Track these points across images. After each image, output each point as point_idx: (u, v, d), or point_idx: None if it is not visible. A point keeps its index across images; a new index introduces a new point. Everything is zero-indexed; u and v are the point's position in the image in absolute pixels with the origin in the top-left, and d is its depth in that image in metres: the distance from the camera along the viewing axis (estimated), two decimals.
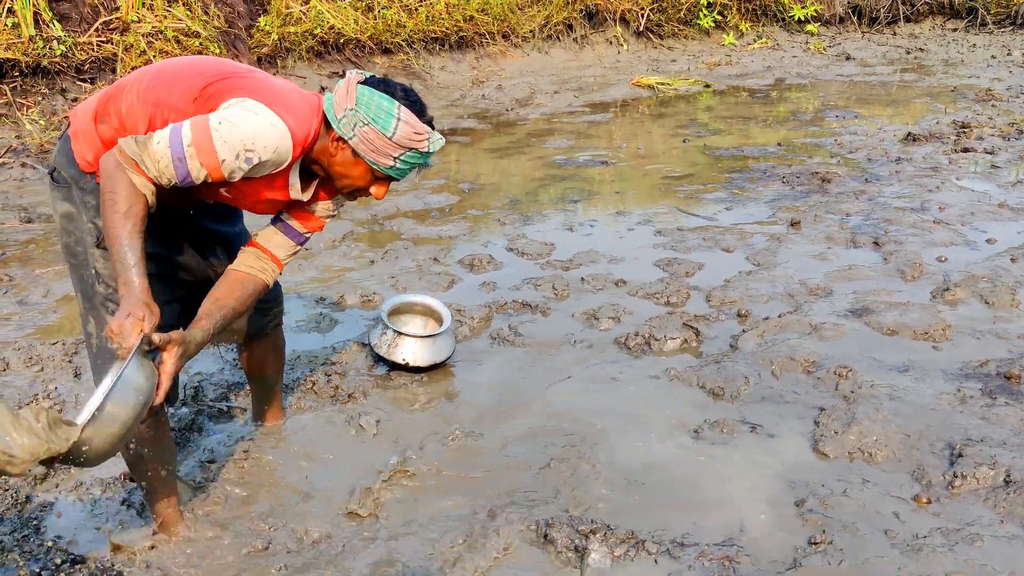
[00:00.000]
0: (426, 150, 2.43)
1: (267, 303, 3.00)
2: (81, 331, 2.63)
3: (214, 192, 2.53)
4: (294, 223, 2.69)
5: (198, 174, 2.30)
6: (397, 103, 2.37)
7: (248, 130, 2.27)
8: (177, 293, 2.63)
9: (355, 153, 2.41)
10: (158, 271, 2.48)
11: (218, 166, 2.30)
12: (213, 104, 2.35)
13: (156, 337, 2.20)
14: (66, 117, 6.90)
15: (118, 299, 2.32)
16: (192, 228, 2.70)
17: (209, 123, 2.27)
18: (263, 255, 2.65)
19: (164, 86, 2.39)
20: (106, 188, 2.27)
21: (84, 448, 2.04)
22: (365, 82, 2.41)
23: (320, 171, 2.53)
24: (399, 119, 2.36)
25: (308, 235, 2.73)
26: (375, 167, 2.43)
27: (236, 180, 2.38)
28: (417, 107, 2.43)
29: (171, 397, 2.66)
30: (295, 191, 2.51)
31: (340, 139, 2.41)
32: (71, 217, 2.51)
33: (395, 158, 2.41)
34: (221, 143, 2.27)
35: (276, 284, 3.00)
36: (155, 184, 2.30)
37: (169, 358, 2.25)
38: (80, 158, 2.44)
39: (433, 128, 2.47)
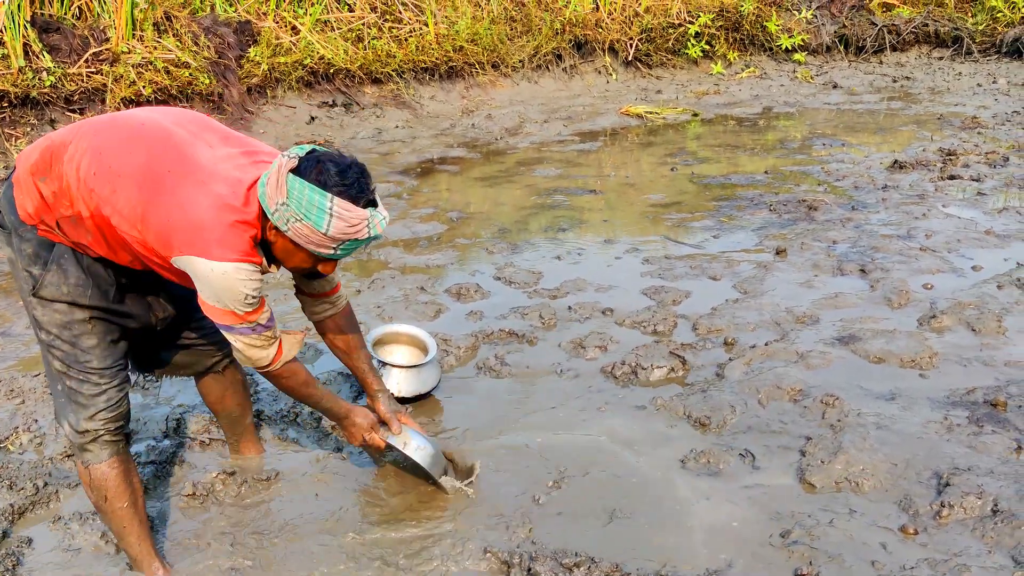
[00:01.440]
0: (365, 237, 2.38)
1: (210, 346, 2.99)
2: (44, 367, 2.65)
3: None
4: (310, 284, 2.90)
5: (252, 319, 2.50)
6: (329, 196, 2.30)
7: (227, 291, 2.39)
8: (124, 334, 2.66)
9: (292, 241, 2.41)
10: (105, 317, 2.56)
11: (247, 313, 2.47)
12: (160, 244, 2.36)
13: (394, 427, 2.99)
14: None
15: (59, 345, 2.52)
16: (138, 279, 2.66)
17: (215, 307, 2.44)
18: (320, 298, 2.90)
19: (105, 183, 2.35)
20: (285, 388, 2.77)
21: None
22: (297, 168, 2.32)
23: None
24: (331, 215, 2.30)
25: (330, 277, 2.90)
26: (316, 254, 2.43)
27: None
28: (354, 191, 2.34)
29: (127, 432, 2.66)
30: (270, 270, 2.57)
31: (276, 228, 2.40)
32: (12, 263, 2.53)
33: (334, 248, 2.39)
34: (233, 308, 2.44)
35: (215, 334, 2.93)
36: (275, 355, 2.62)
37: (404, 420, 3.06)
38: (20, 208, 2.45)
39: (375, 205, 2.40)
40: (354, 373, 3.07)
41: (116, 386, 2.58)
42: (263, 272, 2.45)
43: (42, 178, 2.40)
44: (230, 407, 3.19)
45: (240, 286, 2.38)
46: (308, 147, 2.42)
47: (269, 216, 2.36)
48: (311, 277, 2.80)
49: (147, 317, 2.69)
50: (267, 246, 2.48)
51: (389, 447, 3.00)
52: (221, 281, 2.36)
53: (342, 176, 2.33)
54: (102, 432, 2.56)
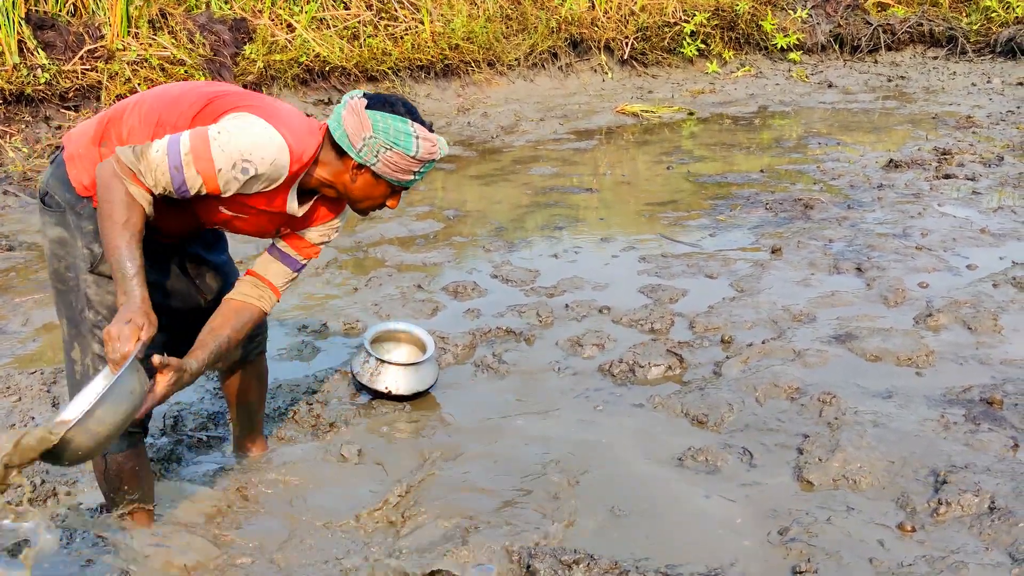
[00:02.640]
0: (439, 157, 2.52)
1: (252, 329, 2.98)
2: (64, 358, 2.60)
3: (213, 210, 2.52)
4: (290, 250, 2.70)
5: (194, 183, 2.31)
6: (409, 121, 2.44)
7: (246, 141, 2.30)
8: (165, 321, 2.60)
9: (375, 175, 2.48)
10: (152, 300, 2.39)
11: (215, 175, 2.30)
12: (214, 118, 2.38)
13: (156, 359, 2.23)
14: (56, 146, 6.89)
15: (105, 326, 2.33)
16: (182, 255, 2.69)
17: (208, 132, 2.30)
18: (261, 283, 2.66)
19: (167, 107, 2.42)
20: (103, 198, 2.28)
21: (69, 446, 2.03)
22: (369, 105, 2.44)
23: (330, 192, 2.57)
24: (417, 137, 2.44)
25: (304, 262, 2.75)
26: (396, 184, 2.51)
27: (232, 193, 2.38)
28: (419, 117, 2.50)
29: (146, 426, 2.64)
30: (292, 207, 2.52)
31: (359, 166, 2.45)
32: (63, 242, 2.49)
33: (415, 172, 2.50)
34: (219, 152, 2.29)
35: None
36: (152, 194, 2.31)
37: (162, 381, 2.27)
38: (77, 182, 2.44)
39: (433, 130, 2.54)
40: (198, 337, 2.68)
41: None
42: (276, 181, 2.41)
43: (103, 143, 2.41)
44: (252, 400, 3.18)
45: (266, 153, 2.32)
46: (360, 91, 2.50)
47: (354, 154, 2.42)
48: (281, 258, 2.68)
49: (194, 298, 2.69)
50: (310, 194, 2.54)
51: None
52: (252, 134, 2.31)
53: (406, 106, 2.48)
54: None
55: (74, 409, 2.17)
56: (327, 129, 2.50)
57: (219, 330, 2.54)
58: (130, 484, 2.61)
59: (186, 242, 2.73)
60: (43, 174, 2.54)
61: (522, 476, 3.19)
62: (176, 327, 2.64)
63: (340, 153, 2.48)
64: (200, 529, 2.93)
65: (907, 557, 2.72)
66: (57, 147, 2.50)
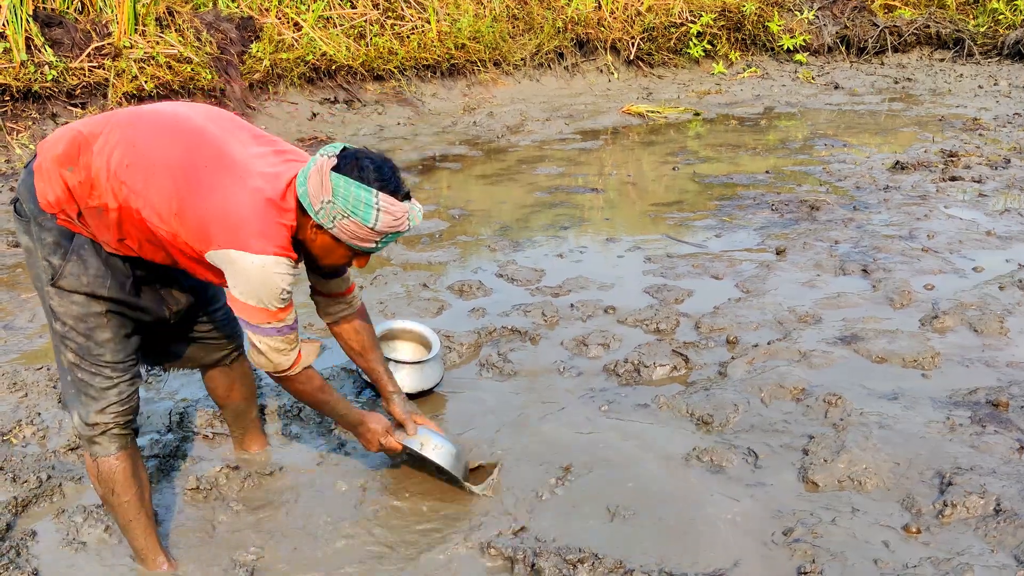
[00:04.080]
0: (405, 229, 2.46)
1: (220, 339, 3.00)
2: (55, 358, 2.63)
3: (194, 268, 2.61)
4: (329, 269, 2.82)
5: (282, 318, 2.51)
6: (374, 191, 2.36)
7: (263, 285, 2.40)
8: (136, 328, 2.65)
9: (334, 238, 2.47)
10: (121, 311, 2.55)
11: (279, 310, 2.48)
12: (196, 238, 2.38)
13: (410, 428, 3.01)
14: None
15: (74, 337, 2.50)
16: (153, 272, 2.66)
17: (247, 303, 2.43)
18: (336, 298, 2.93)
19: (138, 176, 2.37)
20: (317, 404, 2.80)
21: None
22: (337, 167, 2.37)
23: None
24: (378, 209, 2.38)
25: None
26: (356, 249, 2.49)
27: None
28: (392, 185, 2.41)
29: (136, 427, 2.66)
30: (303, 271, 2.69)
31: (318, 226, 2.45)
32: (29, 251, 2.51)
33: (376, 242, 2.45)
34: (265, 304, 2.44)
35: (234, 321, 3.00)
36: (302, 354, 2.65)
37: (420, 421, 3.08)
38: (41, 196, 2.43)
39: (410, 198, 2.47)
40: (368, 374, 3.11)
41: (127, 380, 2.58)
42: (295, 268, 2.49)
43: (69, 168, 2.39)
44: (237, 400, 3.19)
45: (278, 280, 2.40)
46: (339, 145, 2.45)
47: (312, 215, 2.40)
48: (329, 277, 2.83)
49: (161, 310, 2.69)
50: (297, 245, 2.52)
51: (406, 450, 3.00)
52: (259, 275, 2.37)
53: (379, 172, 2.39)
54: (111, 425, 2.57)
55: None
56: (291, 188, 2.46)
57: (362, 350, 3.06)
58: (123, 485, 2.62)
59: (160, 269, 2.72)
60: (20, 177, 2.54)
61: (526, 475, 3.19)
62: (146, 331, 2.71)
63: (304, 210, 2.46)
64: (201, 527, 2.94)
65: (912, 558, 2.72)
66: (35, 153, 2.49)
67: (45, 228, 2.44)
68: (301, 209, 2.45)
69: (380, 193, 2.37)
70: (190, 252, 2.44)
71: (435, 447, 3.00)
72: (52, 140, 2.46)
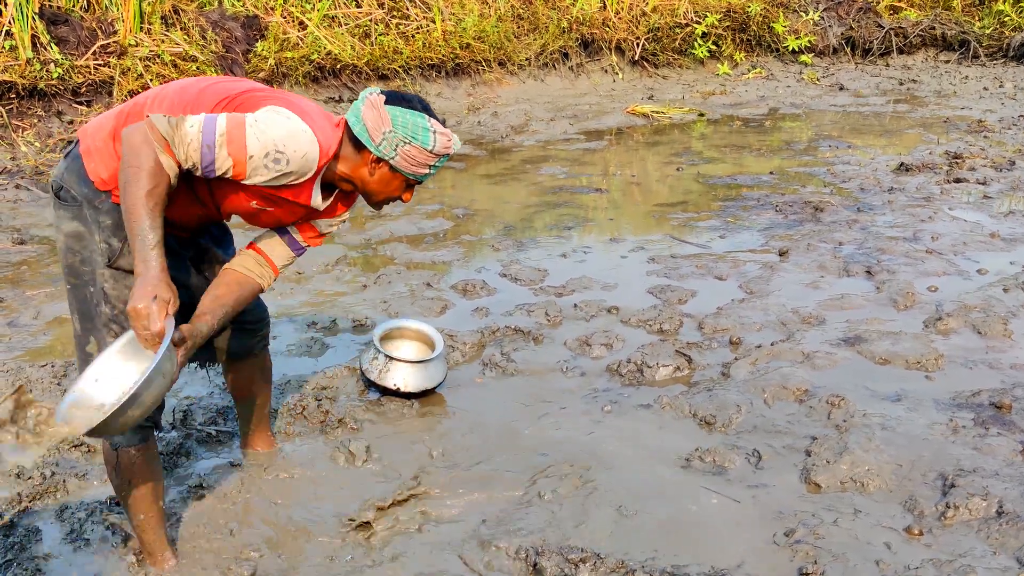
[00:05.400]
0: (454, 151, 2.60)
1: (254, 323, 3.01)
2: (76, 353, 2.61)
3: (242, 202, 2.55)
4: (297, 236, 2.77)
5: (223, 164, 2.34)
6: (426, 116, 2.52)
7: (282, 132, 2.35)
8: (180, 319, 2.61)
9: (392, 169, 2.55)
10: None
11: (245, 160, 2.34)
12: (245, 110, 2.42)
13: (184, 329, 2.30)
14: (69, 140, 6.92)
15: (122, 321, 2.45)
16: (193, 248, 2.69)
17: (245, 120, 2.34)
18: (264, 262, 2.72)
19: (189, 102, 2.44)
20: (130, 162, 2.26)
21: (108, 426, 2.16)
22: (387, 101, 2.51)
23: (347, 187, 2.64)
24: (434, 132, 2.52)
25: (305, 247, 2.80)
26: (411, 177, 2.58)
27: (256, 181, 2.41)
28: (434, 113, 2.58)
29: (158, 423, 2.65)
30: (316, 202, 2.58)
31: (377, 160, 2.53)
32: (79, 236, 2.50)
33: (431, 166, 2.57)
34: (254, 138, 2.33)
35: (263, 305, 3.04)
36: (180, 168, 2.33)
37: (180, 352, 2.31)
38: (95, 176, 2.44)
39: (445, 126, 2.60)
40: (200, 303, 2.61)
41: None
42: (306, 175, 2.46)
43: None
44: (255, 394, 3.19)
45: (297, 146, 2.37)
46: (374, 88, 2.56)
47: (373, 148, 2.49)
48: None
49: (201, 289, 2.67)
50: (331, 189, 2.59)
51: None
52: (287, 126, 2.36)
53: (422, 103, 2.56)
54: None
55: (111, 384, 2.31)
56: (345, 124, 2.56)
57: (223, 298, 2.58)
58: (140, 477, 2.62)
59: (196, 235, 2.75)
60: (56, 168, 2.54)
61: (529, 475, 3.20)
62: (181, 318, 2.66)
63: (359, 148, 2.54)
64: (207, 525, 2.95)
65: (914, 560, 2.72)
66: (71, 141, 2.50)
67: (102, 210, 2.45)
68: (355, 146, 2.54)
69: (431, 119, 2.52)
70: (238, 150, 2.34)
71: (162, 357, 2.17)
72: (97, 124, 2.50)
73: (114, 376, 2.35)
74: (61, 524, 2.93)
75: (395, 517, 2.98)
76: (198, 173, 2.37)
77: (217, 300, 2.56)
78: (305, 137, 2.39)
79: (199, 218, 2.63)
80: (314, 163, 2.44)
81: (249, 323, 2.98)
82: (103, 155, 2.44)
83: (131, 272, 2.44)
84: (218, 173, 2.37)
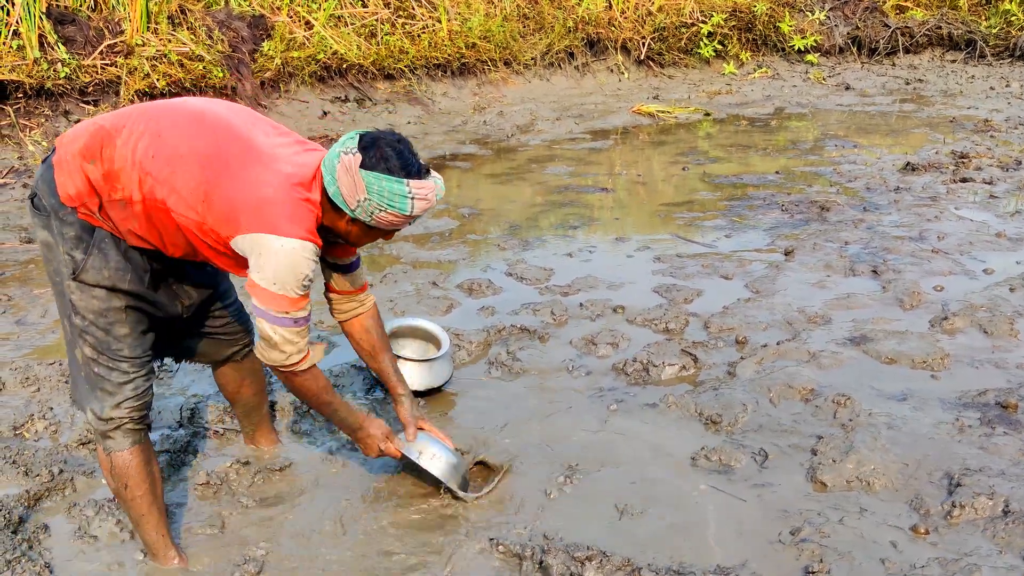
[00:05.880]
0: (435, 202, 2.56)
1: (233, 334, 3.03)
2: (67, 354, 2.64)
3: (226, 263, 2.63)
4: (338, 260, 2.89)
5: (303, 310, 2.52)
6: (405, 182, 2.44)
7: (290, 269, 2.41)
8: (152, 324, 2.67)
9: (369, 227, 2.55)
10: (139, 306, 2.57)
11: (299, 299, 2.48)
12: (223, 223, 2.40)
13: (410, 432, 3.00)
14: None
15: (93, 332, 2.52)
16: (168, 266, 2.67)
17: (268, 290, 2.43)
18: (351, 295, 2.96)
19: (165, 165, 2.39)
20: (306, 398, 2.74)
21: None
22: (363, 163, 2.43)
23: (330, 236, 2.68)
24: (412, 198, 2.46)
25: (356, 258, 2.95)
26: (392, 231, 2.60)
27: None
28: (415, 168, 2.48)
29: (149, 422, 2.67)
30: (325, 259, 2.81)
31: (353, 220, 2.53)
32: (49, 246, 2.51)
33: (411, 222, 2.57)
34: (287, 291, 2.44)
35: (244, 316, 3.05)
36: (308, 351, 2.62)
37: (424, 426, 3.07)
38: (62, 190, 2.44)
39: (429, 172, 2.54)
40: (379, 375, 3.10)
41: (143, 376, 2.60)
42: (318, 256, 2.52)
43: (91, 161, 2.41)
44: (247, 396, 3.21)
45: (304, 265, 2.42)
46: (354, 134, 2.49)
47: (349, 212, 2.48)
48: (344, 272, 2.89)
49: (174, 305, 2.71)
50: (320, 232, 2.57)
51: (404, 457, 2.98)
52: (287, 258, 2.39)
53: (401, 158, 2.46)
54: (126, 420, 2.58)
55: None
56: (316, 175, 2.51)
57: (372, 351, 3.05)
58: (136, 479, 2.64)
59: (177, 264, 2.74)
60: (36, 173, 2.54)
61: (535, 473, 3.20)
62: (160, 328, 2.73)
63: (334, 204, 2.51)
64: (211, 523, 2.96)
65: (920, 559, 2.72)
66: (53, 148, 2.51)
67: (66, 223, 2.45)
68: (327, 200, 2.51)
69: (410, 181, 2.45)
70: (215, 240, 2.45)
71: (433, 456, 2.98)
72: (72, 135, 2.47)
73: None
74: (69, 521, 2.95)
75: (401, 515, 2.99)
76: (308, 323, 2.59)
77: (375, 359, 3.07)
78: (304, 251, 2.42)
79: (183, 253, 2.63)
80: (317, 251, 2.47)
81: (225, 334, 3.01)
82: (70, 171, 2.43)
83: (95, 286, 2.49)
84: (307, 313, 2.56)
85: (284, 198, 2.41)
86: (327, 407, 2.79)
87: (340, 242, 2.73)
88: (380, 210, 2.45)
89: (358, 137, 2.47)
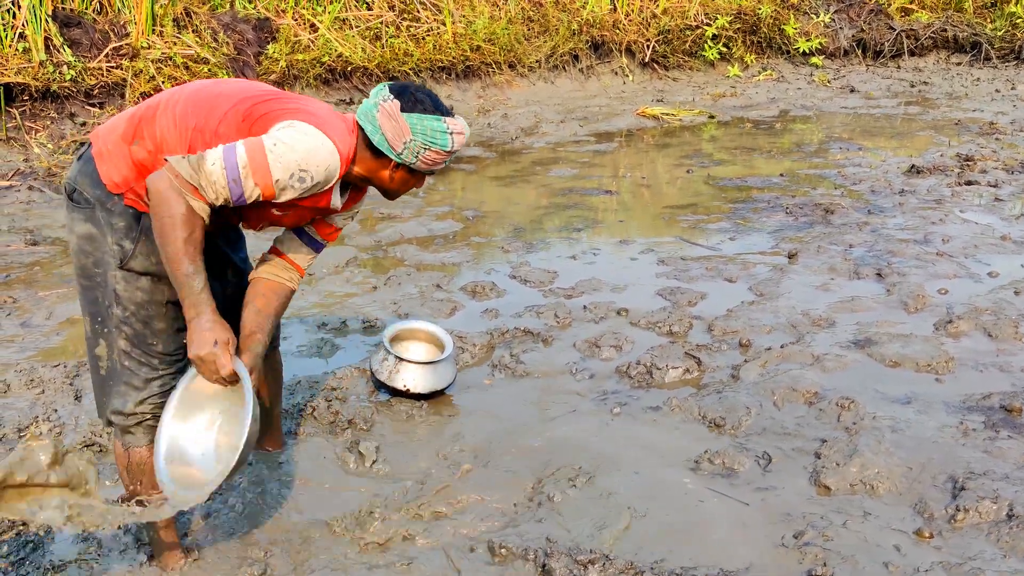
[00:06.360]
0: (466, 140, 2.63)
1: None
2: (87, 354, 2.63)
3: (263, 211, 2.60)
4: (316, 234, 2.82)
5: (251, 193, 2.38)
6: (442, 119, 2.54)
7: (302, 151, 2.37)
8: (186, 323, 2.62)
9: (412, 170, 2.61)
10: (178, 301, 2.45)
11: (271, 185, 2.38)
12: (262, 127, 2.43)
13: (246, 360, 2.49)
14: (82, 143, 6.96)
15: (132, 323, 2.50)
16: (211, 254, 2.70)
17: (264, 145, 2.35)
18: (288, 265, 2.79)
19: (202, 111, 2.45)
20: (160, 212, 2.31)
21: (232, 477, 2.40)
22: (402, 108, 2.51)
23: (363, 185, 2.71)
24: (451, 133, 2.55)
25: (325, 244, 2.87)
26: (429, 173, 2.64)
27: (286, 199, 2.46)
28: (444, 108, 2.59)
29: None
30: (336, 202, 2.64)
31: (398, 165, 2.58)
32: (92, 238, 2.51)
33: (446, 161, 2.62)
34: (276, 163, 2.36)
35: None
36: (210, 206, 2.37)
37: (253, 379, 2.51)
38: (107, 179, 2.46)
39: (452, 113, 2.63)
40: (244, 320, 2.71)
41: (171, 373, 2.60)
42: (328, 184, 2.52)
43: (136, 142, 2.44)
44: (264, 396, 3.19)
45: (317, 163, 2.40)
46: (383, 86, 2.56)
47: (395, 156, 2.53)
48: (307, 246, 2.82)
49: (219, 294, 2.69)
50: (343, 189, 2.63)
51: (230, 375, 2.42)
52: (310, 143, 2.39)
53: (433, 99, 2.57)
54: (148, 416, 2.58)
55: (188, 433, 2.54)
56: (358, 126, 2.57)
57: (265, 311, 2.70)
58: (151, 476, 2.64)
59: (211, 238, 2.76)
60: (70, 170, 2.56)
61: (538, 476, 3.21)
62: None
63: (376, 152, 2.57)
64: (218, 525, 2.96)
65: (924, 563, 2.71)
66: (83, 143, 2.53)
67: (115, 213, 2.47)
68: (372, 151, 2.56)
69: (446, 119, 2.55)
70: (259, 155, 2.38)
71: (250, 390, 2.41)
72: (108, 126, 2.51)
73: (192, 421, 2.55)
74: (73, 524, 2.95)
75: (404, 518, 2.99)
76: (230, 206, 2.42)
77: (260, 314, 2.68)
78: (325, 150, 2.41)
79: (217, 226, 2.64)
80: (336, 172, 2.48)
81: None
82: (115, 158, 2.46)
83: (143, 274, 2.49)
84: (249, 201, 2.41)
85: (330, 118, 2.49)
86: (180, 263, 2.32)
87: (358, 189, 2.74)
88: (425, 148, 2.53)
89: (386, 88, 2.56)
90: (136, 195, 2.47)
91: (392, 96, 2.52)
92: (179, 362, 2.63)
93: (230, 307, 2.74)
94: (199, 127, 2.43)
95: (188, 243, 2.31)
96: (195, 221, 2.32)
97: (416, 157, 2.55)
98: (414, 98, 2.53)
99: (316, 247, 2.84)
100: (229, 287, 2.80)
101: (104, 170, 2.46)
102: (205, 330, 2.36)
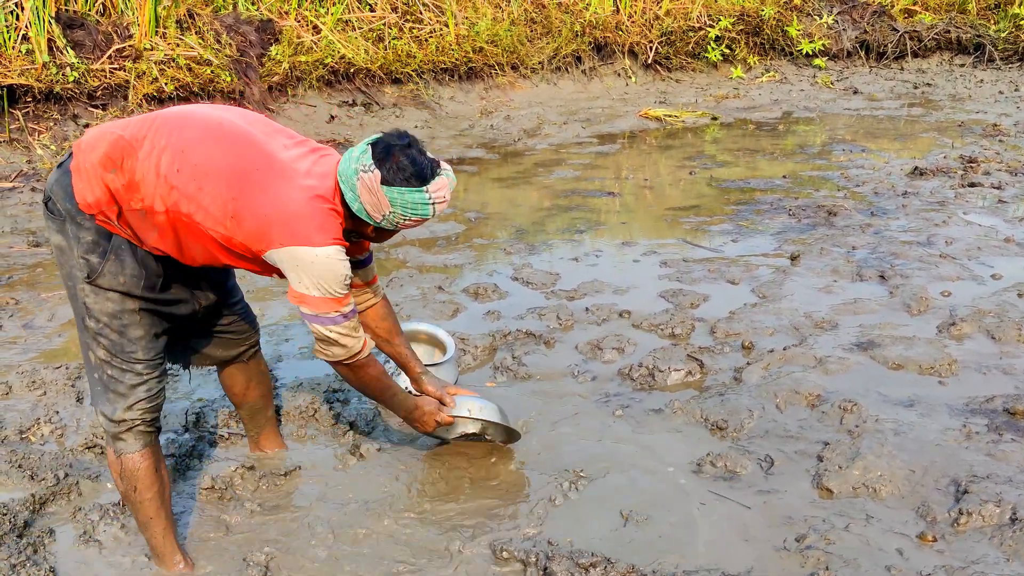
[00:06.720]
0: (449, 198, 2.67)
1: (239, 333, 3.04)
2: (82, 356, 2.64)
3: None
4: (354, 256, 2.91)
5: (347, 303, 2.64)
6: (423, 190, 2.56)
7: (327, 275, 2.53)
8: (166, 326, 2.69)
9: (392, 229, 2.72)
10: (153, 309, 2.60)
11: (343, 296, 2.61)
12: (250, 239, 2.48)
13: (448, 401, 3.17)
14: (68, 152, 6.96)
15: (107, 334, 2.54)
16: (180, 271, 2.69)
17: (314, 296, 2.56)
18: (364, 288, 3.08)
19: (191, 180, 2.44)
20: (370, 392, 2.94)
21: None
22: (383, 180, 2.53)
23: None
24: (432, 203, 2.59)
25: (371, 253, 3.08)
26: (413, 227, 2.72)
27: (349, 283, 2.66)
28: (430, 169, 2.58)
29: (159, 425, 2.68)
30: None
31: (377, 227, 2.67)
32: (62, 250, 2.52)
33: (431, 219, 2.70)
34: (331, 292, 2.57)
35: (251, 316, 3.08)
36: (366, 342, 2.77)
37: (453, 391, 3.23)
38: (80, 196, 2.45)
39: (440, 168, 2.63)
40: (395, 359, 3.24)
41: (156, 377, 2.62)
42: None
43: (112, 171, 2.43)
44: (253, 399, 3.21)
45: (340, 267, 2.54)
46: (365, 145, 2.58)
47: (374, 224, 2.63)
48: (357, 267, 2.96)
49: (191, 307, 2.74)
50: (345, 234, 2.68)
51: (458, 419, 3.17)
52: (325, 265, 2.51)
53: (416, 165, 2.56)
54: (138, 422, 2.59)
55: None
56: (337, 184, 2.59)
57: (392, 339, 3.20)
58: (145, 482, 2.64)
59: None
60: (50, 176, 2.55)
61: (540, 479, 3.20)
62: (174, 330, 2.76)
63: (353, 214, 2.64)
64: (216, 527, 2.96)
65: (926, 566, 2.70)
66: (69, 152, 2.52)
67: (83, 227, 2.47)
68: (349, 211, 2.62)
69: (428, 188, 2.57)
70: (245, 252, 2.54)
71: (480, 408, 3.18)
72: (90, 142, 2.48)
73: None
74: (74, 525, 2.95)
75: (405, 519, 2.99)
76: (353, 314, 2.69)
77: (391, 344, 3.19)
78: (336, 256, 2.53)
79: (199, 261, 2.67)
80: (343, 253, 2.57)
81: (232, 333, 3.02)
82: (89, 179, 2.44)
83: (109, 290, 2.51)
84: (352, 308, 2.69)
85: (311, 211, 2.51)
86: (387, 391, 2.96)
87: (356, 240, 2.83)
88: (404, 219, 2.60)
89: (370, 149, 2.55)
90: (107, 217, 2.46)
91: (373, 166, 2.53)
92: (161, 364, 2.66)
93: (202, 322, 2.87)
94: (187, 195, 2.44)
95: (384, 376, 2.92)
96: (372, 359, 2.83)
97: (395, 225, 2.63)
98: (396, 165, 2.54)
99: (368, 261, 3.05)
100: (203, 297, 2.80)
101: (78, 188, 2.45)
102: (423, 416, 3.08)
